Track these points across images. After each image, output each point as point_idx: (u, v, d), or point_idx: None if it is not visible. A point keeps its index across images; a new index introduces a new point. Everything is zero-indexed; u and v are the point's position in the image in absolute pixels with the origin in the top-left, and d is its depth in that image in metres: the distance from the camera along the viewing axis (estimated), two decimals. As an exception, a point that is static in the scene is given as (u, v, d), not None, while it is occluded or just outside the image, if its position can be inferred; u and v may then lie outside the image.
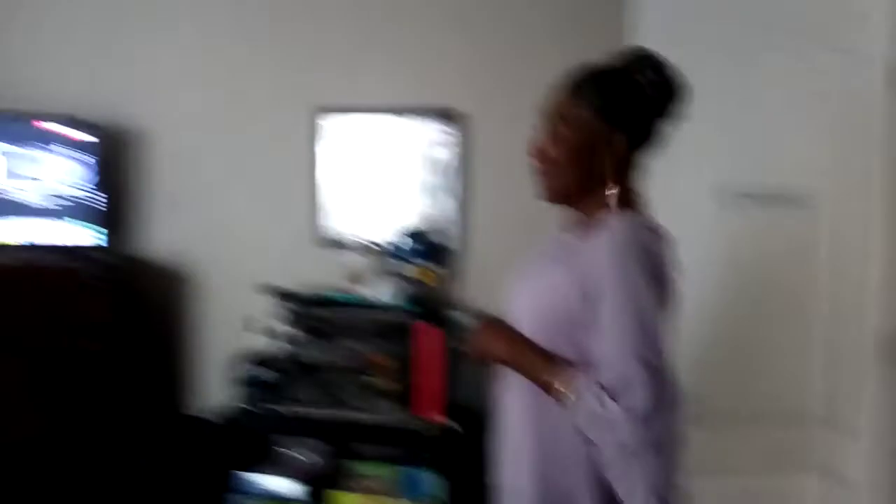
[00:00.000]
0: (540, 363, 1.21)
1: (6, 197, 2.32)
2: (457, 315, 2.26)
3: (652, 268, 1.13)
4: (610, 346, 1.12)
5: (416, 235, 2.35)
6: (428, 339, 2.18)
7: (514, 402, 1.29)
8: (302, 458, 2.33)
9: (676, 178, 1.99)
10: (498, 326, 1.31)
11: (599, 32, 2.19)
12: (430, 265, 2.30)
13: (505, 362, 1.28)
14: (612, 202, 1.24)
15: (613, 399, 1.09)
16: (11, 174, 2.32)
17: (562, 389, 1.16)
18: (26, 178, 2.33)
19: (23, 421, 2.20)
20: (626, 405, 1.08)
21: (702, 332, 2.03)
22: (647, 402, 1.07)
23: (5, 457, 2.16)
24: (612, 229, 1.16)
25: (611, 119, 1.23)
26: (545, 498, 1.22)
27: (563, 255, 1.26)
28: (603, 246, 1.15)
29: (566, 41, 2.32)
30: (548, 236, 1.47)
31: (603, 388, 1.10)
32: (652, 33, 1.87)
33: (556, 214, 1.49)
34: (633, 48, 1.29)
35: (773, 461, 2.09)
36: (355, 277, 2.33)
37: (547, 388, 1.19)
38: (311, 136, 2.51)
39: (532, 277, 1.30)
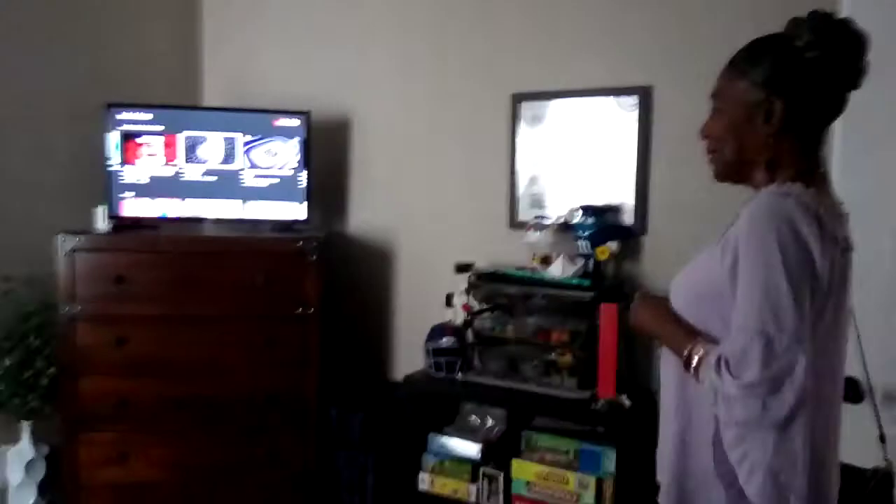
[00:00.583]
0: (679, 335, 1.22)
1: (229, 180, 2.67)
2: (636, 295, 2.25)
3: (793, 243, 1.08)
4: (737, 317, 1.10)
5: (596, 214, 2.34)
6: (607, 317, 2.18)
7: (668, 377, 1.31)
8: (487, 424, 2.47)
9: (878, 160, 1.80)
10: (650, 300, 1.34)
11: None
12: (612, 244, 2.29)
13: (651, 334, 1.32)
14: (768, 175, 1.21)
15: (730, 372, 1.07)
16: (233, 160, 2.67)
17: (694, 362, 1.16)
18: (246, 162, 2.68)
19: (250, 378, 2.56)
20: (742, 379, 1.06)
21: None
22: (761, 376, 1.04)
23: (233, 407, 2.54)
24: (756, 202, 1.14)
25: (768, 86, 1.19)
26: (679, 477, 1.24)
27: (720, 233, 1.25)
28: (745, 219, 1.13)
29: (752, 14, 2.15)
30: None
31: (724, 360, 1.09)
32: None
33: (738, 194, 1.44)
34: (803, 15, 1.20)
35: None
36: (542, 257, 2.39)
37: (685, 361, 1.19)
38: (510, 120, 2.59)
39: (696, 256, 1.30)
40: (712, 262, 1.18)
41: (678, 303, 1.26)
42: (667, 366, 1.30)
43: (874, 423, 1.50)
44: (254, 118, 2.67)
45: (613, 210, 2.39)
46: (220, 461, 2.57)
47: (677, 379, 1.25)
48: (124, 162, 2.60)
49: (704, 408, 1.17)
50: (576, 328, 2.25)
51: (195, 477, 2.56)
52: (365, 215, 2.94)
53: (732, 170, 1.27)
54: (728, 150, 1.26)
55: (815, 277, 1.09)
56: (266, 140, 2.67)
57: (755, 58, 1.22)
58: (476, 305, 2.47)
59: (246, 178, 2.67)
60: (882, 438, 1.45)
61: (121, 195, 2.61)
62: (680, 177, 2.32)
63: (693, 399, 1.22)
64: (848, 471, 1.28)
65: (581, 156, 2.48)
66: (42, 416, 2.62)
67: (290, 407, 2.58)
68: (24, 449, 2.63)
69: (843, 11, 1.72)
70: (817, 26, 1.16)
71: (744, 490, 1.11)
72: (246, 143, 2.66)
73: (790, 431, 1.09)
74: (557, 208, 2.48)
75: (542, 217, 2.45)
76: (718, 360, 1.09)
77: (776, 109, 1.18)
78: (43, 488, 2.65)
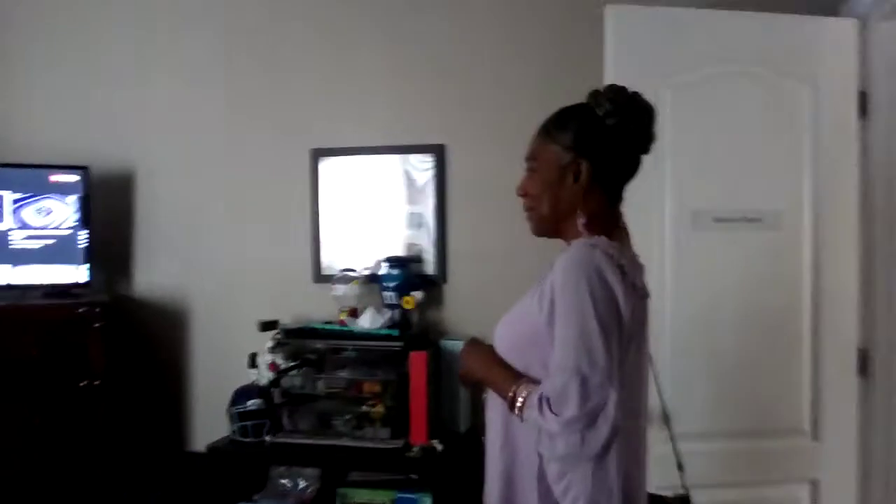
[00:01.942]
0: (504, 378, 1.28)
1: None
2: (448, 343, 2.33)
3: (601, 289, 1.18)
4: (554, 359, 1.18)
5: (399, 265, 2.41)
6: (417, 365, 2.24)
7: (493, 419, 1.36)
8: (299, 486, 2.38)
9: (659, 204, 2.07)
10: (477, 347, 1.40)
11: (576, 72, 2.25)
12: (417, 294, 2.36)
13: (479, 379, 1.37)
14: (581, 229, 1.31)
15: (551, 410, 1.14)
16: (5, 220, 2.40)
17: (519, 402, 1.22)
18: (15, 222, 2.42)
19: (29, 459, 2.27)
20: (562, 416, 1.13)
21: (689, 350, 2.09)
22: (579, 412, 1.12)
23: (13, 494, 2.22)
24: (568, 253, 1.24)
25: (575, 149, 1.31)
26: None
27: (538, 281, 1.33)
28: (558, 268, 1.22)
29: (544, 82, 2.39)
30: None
31: (545, 399, 1.16)
32: (628, 70, 1.93)
33: (532, 243, 1.57)
34: (602, 86, 1.36)
35: (764, 473, 2.13)
36: (350, 309, 2.40)
37: (510, 402, 1.25)
38: (308, 176, 2.60)
39: (511, 305, 1.38)
40: (531, 310, 1.27)
41: (502, 348, 1.33)
42: (493, 409, 1.35)
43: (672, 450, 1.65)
44: (25, 174, 2.43)
45: (417, 260, 2.48)
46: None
47: (502, 420, 1.30)
48: None
49: (529, 446, 1.24)
50: (387, 378, 2.27)
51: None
52: (154, 275, 2.74)
53: (548, 225, 1.37)
54: (544, 207, 1.35)
55: (621, 321, 1.20)
56: (39, 198, 2.42)
57: (563, 124, 1.34)
58: (283, 363, 2.40)
59: (15, 240, 2.39)
60: (680, 467, 1.59)
61: None
62: (475, 228, 2.47)
63: (518, 438, 1.28)
64: (652, 499, 1.40)
65: (381, 209, 2.55)
66: None
67: (78, 491, 2.30)
68: None
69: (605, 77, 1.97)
70: (614, 97, 1.31)
71: None
72: (15, 202, 2.39)
73: (605, 462, 1.18)
74: (362, 261, 2.51)
75: (348, 270, 2.46)
76: (540, 398, 1.16)
77: (583, 170, 1.30)
78: None
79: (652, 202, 2.04)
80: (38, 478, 2.27)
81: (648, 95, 1.34)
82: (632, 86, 1.35)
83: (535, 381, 1.23)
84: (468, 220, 2.49)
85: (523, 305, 1.32)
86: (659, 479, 1.49)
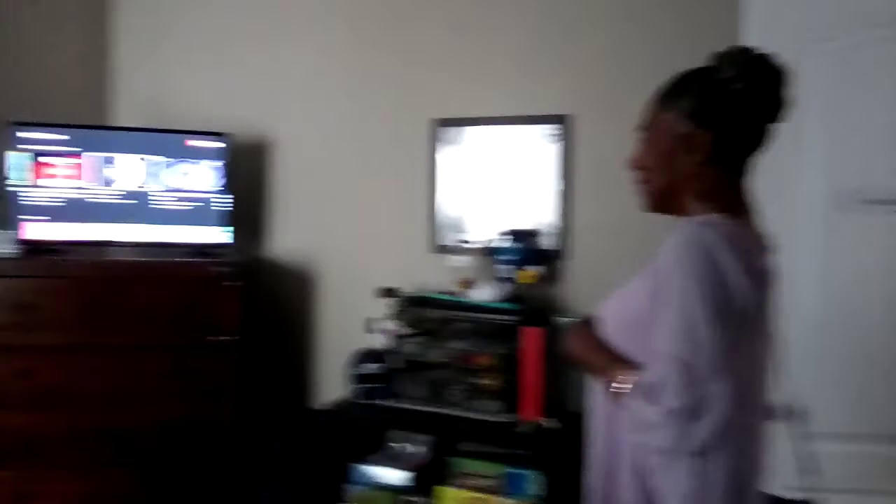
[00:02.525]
0: (606, 363, 1.23)
1: (145, 203, 2.59)
2: (564, 320, 2.28)
3: (711, 272, 1.09)
4: (656, 344, 1.12)
5: (519, 238, 2.38)
6: (531, 341, 2.21)
7: (597, 405, 1.32)
8: (411, 451, 2.44)
9: (798, 182, 1.90)
10: (581, 328, 1.35)
11: (710, 35, 2.11)
12: (534, 267, 2.32)
13: (580, 362, 1.32)
14: (696, 205, 1.23)
15: (650, 399, 1.09)
16: (150, 182, 2.58)
17: (615, 389, 1.18)
18: (163, 185, 2.59)
19: (165, 409, 2.46)
20: (661, 406, 1.07)
21: (829, 344, 1.92)
22: (679, 403, 1.05)
23: (148, 439, 2.44)
24: (678, 231, 1.16)
25: (695, 118, 1.21)
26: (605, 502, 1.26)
27: (649, 260, 1.26)
28: (666, 247, 1.15)
29: (676, 43, 2.24)
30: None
31: (644, 387, 1.11)
32: (767, 35, 1.78)
33: (660, 219, 1.49)
34: (727, 48, 1.24)
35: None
36: (465, 281, 2.40)
37: (609, 389, 1.20)
38: (430, 146, 2.60)
39: (626, 282, 1.32)
40: (639, 290, 1.21)
41: (608, 329, 1.28)
42: (596, 394, 1.31)
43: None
44: (171, 139, 2.59)
45: (536, 234, 2.43)
46: (134, 497, 2.44)
47: (605, 406, 1.26)
48: (31, 183, 2.47)
49: (624, 433, 1.20)
50: (500, 352, 2.26)
51: (107, 515, 2.43)
52: (286, 240, 2.88)
53: (662, 200, 1.29)
54: (658, 180, 1.27)
55: (733, 307, 1.10)
56: (183, 162, 2.59)
57: (682, 91, 1.24)
58: (400, 330, 2.45)
59: (162, 202, 2.58)
60: (807, 469, 1.47)
61: (26, 218, 2.48)
62: (601, 202, 2.38)
63: (619, 428, 1.23)
64: (772, 501, 1.31)
65: (503, 180, 2.51)
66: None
67: (207, 439, 2.48)
68: (-87, 492, 2.44)
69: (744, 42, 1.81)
70: (740, 60, 1.19)
71: None
72: (162, 165, 2.57)
73: (710, 459, 1.09)
74: (480, 233, 2.50)
75: (466, 241, 2.46)
76: (639, 386, 1.11)
77: (703, 141, 1.20)
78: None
79: (789, 179, 1.88)
80: (171, 426, 2.46)
81: (790, 62, 1.21)
82: (777, 50, 1.21)
83: (636, 367, 1.17)
84: (592, 194, 2.40)
85: (632, 285, 1.25)
86: (789, 479, 1.39)
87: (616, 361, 1.21)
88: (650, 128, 1.28)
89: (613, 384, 1.18)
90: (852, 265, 1.91)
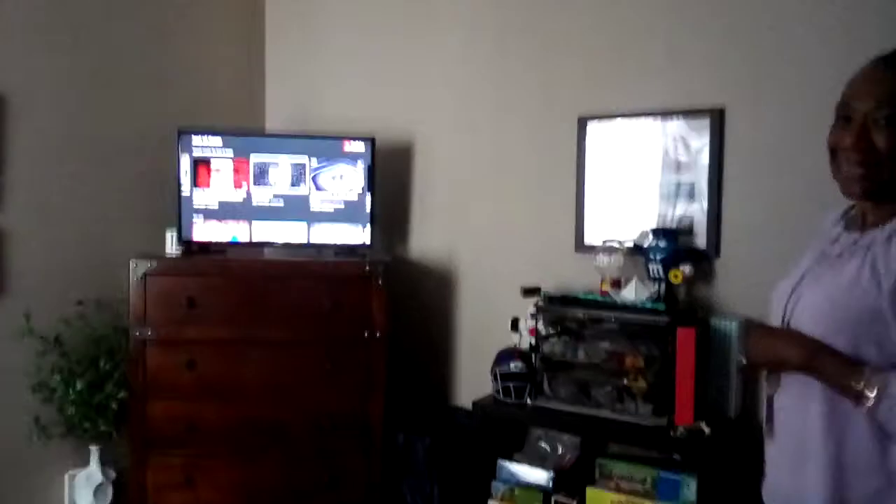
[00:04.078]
0: (840, 366, 1.18)
1: (297, 204, 2.70)
2: (720, 321, 2.21)
3: None
4: None
5: (668, 237, 2.32)
6: (684, 342, 2.14)
7: (796, 406, 1.27)
8: (558, 451, 2.43)
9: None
10: (781, 332, 1.30)
11: (878, 25, 1.98)
12: (686, 267, 2.25)
13: (799, 368, 1.25)
14: None
15: None
16: (304, 184, 2.70)
17: (867, 392, 1.13)
18: (313, 187, 2.70)
19: (318, 402, 2.57)
20: None
21: None
22: None
23: (301, 430, 2.55)
24: None
25: None
26: (844, 500, 1.20)
27: (859, 251, 1.22)
28: None
29: (827, 34, 2.12)
30: (821, 235, 1.41)
31: None
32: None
33: (813, 213, 1.43)
34: None
35: None
36: (612, 280, 2.36)
37: (847, 390, 1.16)
38: (575, 143, 2.58)
39: (820, 277, 1.28)
40: (864, 286, 1.16)
41: (820, 328, 1.22)
42: (794, 396, 1.27)
43: None
44: (322, 143, 2.71)
45: (686, 233, 2.36)
46: (286, 485, 2.56)
47: (824, 408, 1.22)
48: (195, 186, 2.65)
49: (863, 433, 1.16)
50: (650, 353, 2.21)
51: (261, 501, 2.55)
52: (427, 239, 2.94)
53: (885, 186, 1.23)
54: (891, 162, 1.20)
55: None
56: (333, 164, 2.69)
57: None
58: (543, 330, 2.44)
59: (313, 202, 2.70)
60: None
61: (191, 219, 2.65)
62: (754, 199, 2.28)
63: (847, 426, 1.19)
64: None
65: (653, 177, 2.46)
66: (111, 440, 2.65)
67: (357, 432, 2.57)
68: (92, 473, 2.65)
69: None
70: None
71: None
72: (313, 168, 2.69)
73: None
74: (626, 232, 2.45)
75: (613, 240, 2.42)
76: None
77: None
78: (110, 512, 2.67)
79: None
80: (324, 418, 2.56)
81: None
82: None
83: (873, 365, 1.14)
84: (746, 191, 2.29)
85: (844, 277, 1.20)
86: None
87: (854, 364, 1.17)
88: (887, 108, 1.19)
89: (864, 389, 1.14)
90: None
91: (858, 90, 1.24)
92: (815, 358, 1.21)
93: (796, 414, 1.27)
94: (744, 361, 1.39)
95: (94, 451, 2.65)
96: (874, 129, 1.20)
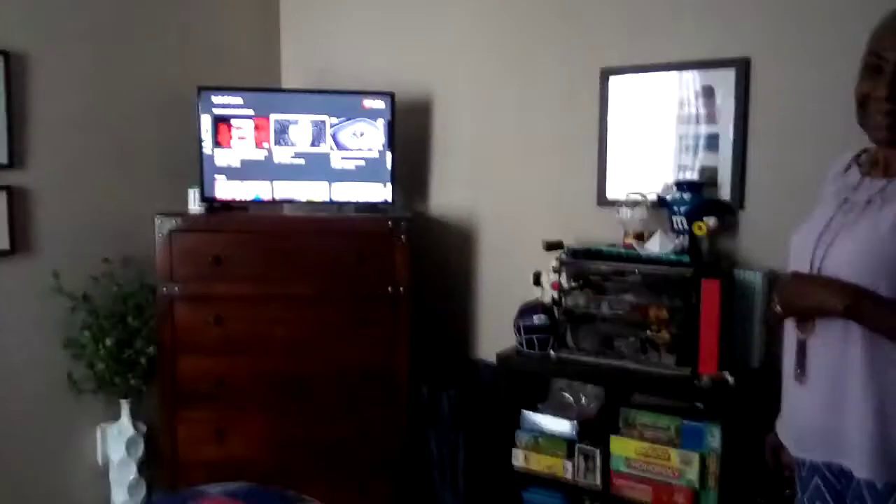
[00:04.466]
0: (883, 308, 1.22)
1: (317, 162, 2.70)
2: (744, 273, 2.22)
3: None
4: None
5: (692, 189, 2.32)
6: (709, 293, 2.16)
7: (837, 352, 1.29)
8: (581, 402, 2.47)
9: None
10: (819, 279, 1.32)
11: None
12: (707, 218, 2.26)
13: (839, 313, 1.27)
14: None
15: None
16: (325, 141, 2.69)
17: None
18: (337, 144, 2.70)
19: (342, 356, 2.61)
20: None
21: None
22: None
23: (326, 384, 2.60)
24: None
25: None
26: (888, 442, 1.23)
27: (892, 196, 1.24)
28: None
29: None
30: (833, 183, 1.42)
31: None
32: None
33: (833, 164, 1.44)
34: None
35: None
36: (634, 233, 2.37)
37: (890, 332, 1.20)
38: (597, 97, 2.56)
39: (853, 225, 1.29)
40: (890, 235, 1.20)
41: (859, 277, 1.25)
42: (835, 341, 1.29)
43: None
44: (341, 100, 2.70)
45: (710, 185, 2.36)
46: (314, 438, 2.62)
47: (865, 355, 1.24)
48: (216, 145, 2.65)
49: None
50: (675, 305, 2.22)
51: (289, 453, 2.61)
52: (448, 195, 2.95)
53: None
54: None
55: None
56: (353, 122, 2.69)
57: None
58: (566, 284, 2.46)
59: (334, 160, 2.70)
60: None
61: (213, 178, 2.66)
62: (779, 152, 2.27)
63: (890, 367, 1.23)
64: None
65: (673, 130, 2.45)
66: (141, 395, 2.70)
67: (382, 384, 2.62)
68: (123, 427, 2.71)
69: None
70: None
71: None
72: (333, 126, 2.68)
73: None
74: (649, 185, 2.45)
75: (636, 193, 2.42)
76: None
77: None
78: (142, 466, 2.74)
79: None
80: (349, 372, 2.61)
81: None
82: None
83: None
84: (771, 143, 2.29)
85: (873, 224, 1.23)
86: None
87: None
88: None
89: None
90: None
91: (889, 40, 1.24)
92: (859, 303, 1.23)
93: (835, 357, 1.29)
94: (778, 309, 1.40)
95: (124, 405, 2.71)
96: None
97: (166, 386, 2.57)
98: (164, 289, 2.53)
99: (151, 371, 2.63)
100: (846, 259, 1.27)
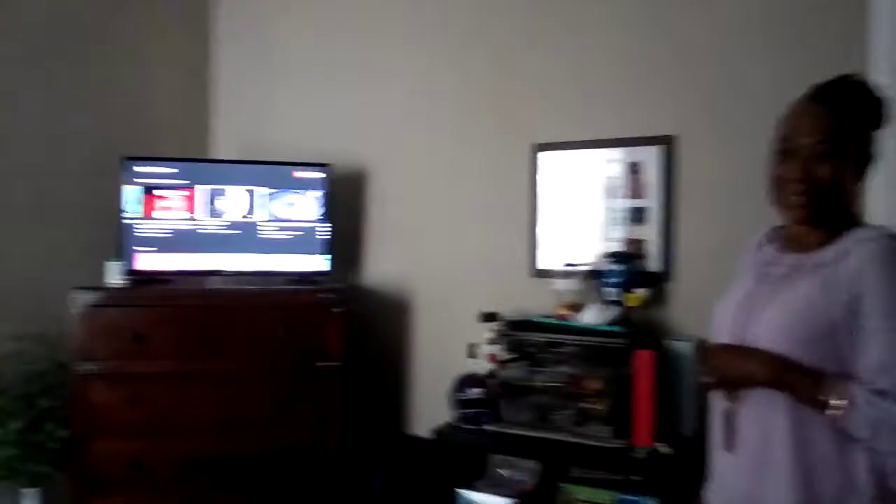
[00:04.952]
0: (807, 378, 1.24)
1: (250, 233, 2.65)
2: (675, 343, 2.25)
3: None
4: (884, 351, 1.18)
5: (624, 261, 2.36)
6: (643, 364, 2.17)
7: (762, 419, 1.31)
8: (517, 477, 2.41)
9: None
10: (745, 350, 1.34)
11: (825, 62, 2.08)
12: (639, 290, 2.30)
13: (765, 383, 1.30)
14: (849, 216, 1.32)
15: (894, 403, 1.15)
16: (256, 212, 2.65)
17: (834, 402, 1.20)
18: (267, 215, 2.66)
19: (272, 436, 2.50)
20: None
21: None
22: None
23: (256, 465, 2.46)
24: (870, 240, 1.23)
25: (865, 130, 1.30)
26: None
27: (806, 270, 1.30)
28: (864, 256, 1.21)
29: (779, 63, 2.23)
30: (750, 257, 1.48)
31: (883, 393, 1.16)
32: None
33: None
34: (850, 74, 1.34)
35: None
36: (568, 304, 2.39)
37: (814, 402, 1.22)
38: (528, 171, 2.62)
39: (773, 296, 1.33)
40: (822, 303, 1.23)
41: (779, 347, 1.27)
42: (760, 409, 1.31)
43: None
44: (274, 171, 2.67)
45: (642, 257, 2.41)
46: (241, 524, 2.47)
47: (790, 422, 1.27)
48: (143, 215, 2.56)
49: (826, 440, 1.24)
50: (609, 375, 2.23)
51: (213, 542, 2.45)
52: (383, 267, 2.92)
53: (829, 212, 1.32)
54: (834, 194, 1.31)
55: None
56: (286, 192, 2.65)
57: (861, 101, 1.31)
58: (503, 355, 2.44)
59: (266, 231, 2.64)
60: None
61: (137, 249, 2.56)
62: (704, 224, 2.35)
63: (816, 439, 1.25)
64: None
65: (602, 203, 2.51)
66: (51, 483, 2.51)
67: (314, 465, 2.50)
68: (30, 518, 2.50)
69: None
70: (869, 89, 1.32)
71: None
72: (265, 196, 2.64)
73: None
74: (583, 256, 2.48)
75: (569, 265, 2.45)
76: (877, 394, 1.17)
77: (867, 153, 1.30)
78: (50, 559, 2.51)
79: None
80: (278, 453, 2.49)
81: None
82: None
83: (837, 377, 1.22)
84: (697, 217, 2.37)
85: (800, 295, 1.27)
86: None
87: (821, 376, 1.23)
88: (832, 140, 1.30)
89: (829, 397, 1.20)
90: None
91: (799, 125, 1.33)
92: (783, 373, 1.26)
93: (761, 426, 1.31)
94: (707, 379, 1.42)
95: (31, 494, 2.50)
96: (817, 163, 1.30)
97: (79, 471, 2.39)
98: (80, 367, 2.38)
99: (63, 456, 2.45)
100: (767, 329, 1.30)
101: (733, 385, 1.36)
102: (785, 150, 1.35)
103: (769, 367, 1.28)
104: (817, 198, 1.30)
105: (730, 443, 1.38)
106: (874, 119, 1.30)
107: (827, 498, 1.23)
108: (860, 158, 1.31)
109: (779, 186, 1.36)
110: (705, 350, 1.46)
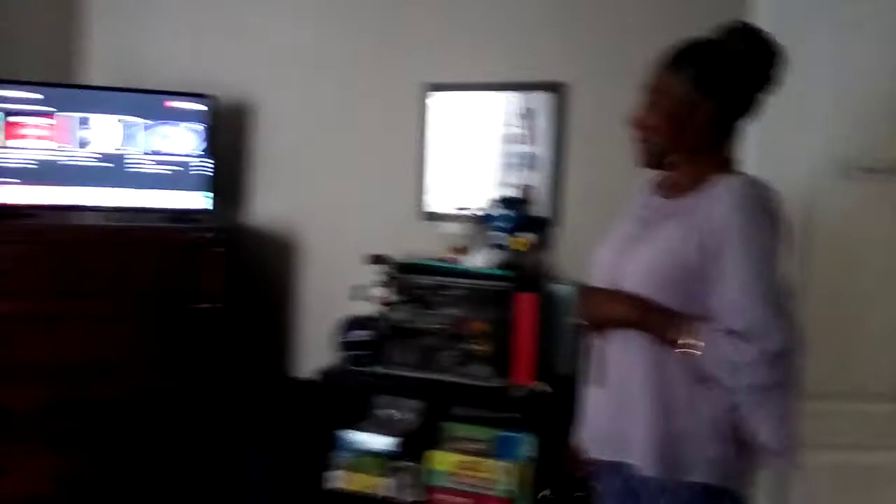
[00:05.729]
0: (665, 320, 1.30)
1: (123, 166, 2.49)
2: (558, 287, 2.30)
3: (771, 220, 1.24)
4: (738, 294, 1.23)
5: (511, 205, 2.38)
6: (525, 306, 2.22)
7: (625, 358, 1.37)
8: (400, 417, 2.44)
9: (792, 151, 1.97)
10: (611, 293, 1.40)
11: (713, 10, 2.12)
12: (526, 234, 2.33)
13: (627, 324, 1.35)
14: (723, 165, 1.37)
15: (747, 343, 1.20)
16: (127, 144, 2.48)
17: (689, 341, 1.25)
18: (141, 147, 2.50)
19: (145, 379, 2.40)
20: (763, 347, 1.19)
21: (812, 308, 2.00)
22: (782, 343, 1.19)
23: (127, 410, 2.37)
24: (730, 187, 1.27)
25: (702, 87, 1.33)
26: (664, 440, 1.31)
27: (670, 215, 1.35)
28: (723, 201, 1.26)
29: (669, 13, 2.27)
30: (632, 202, 1.52)
31: (733, 334, 1.21)
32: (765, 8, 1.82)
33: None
34: (731, 22, 1.37)
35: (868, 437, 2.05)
36: (455, 247, 2.39)
37: (671, 342, 1.28)
38: (419, 112, 2.57)
39: (640, 240, 1.39)
40: (681, 246, 1.28)
41: (647, 286, 1.32)
42: (626, 351, 1.37)
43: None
44: (150, 100, 2.50)
45: (528, 201, 2.43)
46: (116, 470, 2.38)
47: (650, 362, 1.33)
48: (1, 144, 2.35)
49: (680, 379, 1.30)
50: (492, 318, 2.26)
51: (87, 488, 2.35)
52: (269, 206, 2.82)
53: (660, 158, 1.40)
54: (664, 141, 1.38)
55: (788, 248, 1.28)
56: (163, 124, 2.50)
57: (694, 61, 1.34)
58: (389, 297, 2.42)
59: (139, 165, 2.49)
60: None
61: (-1, 181, 2.36)
62: (592, 171, 2.40)
63: (673, 379, 1.31)
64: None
65: (495, 147, 2.50)
66: None
67: (191, 409, 2.43)
68: None
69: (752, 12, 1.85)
70: (749, 36, 1.33)
71: (763, 441, 1.25)
72: (140, 127, 2.48)
73: (793, 383, 1.24)
74: (471, 200, 2.49)
75: (457, 208, 2.45)
76: (730, 333, 1.22)
77: (710, 108, 1.33)
78: None
79: (794, 148, 1.94)
80: (153, 394, 2.40)
81: (803, 32, 1.33)
82: (784, 21, 1.34)
83: (693, 317, 1.27)
84: (585, 163, 2.41)
85: (661, 239, 1.32)
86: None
87: (679, 317, 1.28)
88: (655, 90, 1.38)
89: (685, 337, 1.26)
90: (851, 232, 2.00)
91: (646, 80, 1.42)
92: (643, 314, 1.32)
93: (622, 365, 1.38)
94: (579, 321, 1.47)
95: None
96: (647, 112, 1.40)
97: (-67, 418, 2.23)
98: (-67, 307, 2.20)
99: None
100: (632, 272, 1.36)
101: (602, 326, 1.41)
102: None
103: (631, 309, 1.33)
104: (649, 144, 1.39)
105: (600, 379, 1.44)
106: (745, 74, 1.33)
107: (684, 435, 1.30)
108: (725, 110, 1.34)
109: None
110: (579, 293, 1.50)
